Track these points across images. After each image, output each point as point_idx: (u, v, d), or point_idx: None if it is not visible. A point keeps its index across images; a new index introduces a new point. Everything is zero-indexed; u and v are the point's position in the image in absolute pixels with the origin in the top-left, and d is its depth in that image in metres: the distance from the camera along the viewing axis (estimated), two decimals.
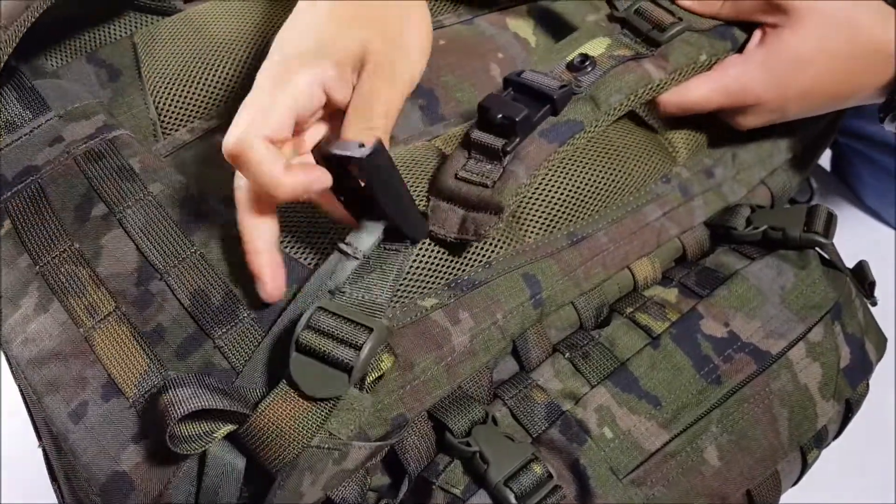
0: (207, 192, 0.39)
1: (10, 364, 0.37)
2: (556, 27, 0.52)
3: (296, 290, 0.35)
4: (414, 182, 0.40)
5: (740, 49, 0.46)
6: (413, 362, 0.36)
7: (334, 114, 0.38)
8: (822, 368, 0.41)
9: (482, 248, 0.40)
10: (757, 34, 0.45)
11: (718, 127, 0.49)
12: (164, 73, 0.44)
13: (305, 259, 0.37)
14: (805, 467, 0.42)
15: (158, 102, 0.44)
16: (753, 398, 0.39)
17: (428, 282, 0.38)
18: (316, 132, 0.39)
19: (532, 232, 0.41)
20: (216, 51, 0.45)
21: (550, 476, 0.36)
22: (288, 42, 0.37)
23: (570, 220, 0.42)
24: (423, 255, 0.39)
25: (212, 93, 0.44)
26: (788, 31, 0.44)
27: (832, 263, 0.44)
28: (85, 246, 0.37)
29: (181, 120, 0.44)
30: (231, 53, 0.45)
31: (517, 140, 0.38)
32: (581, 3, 0.53)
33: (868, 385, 0.45)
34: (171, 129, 0.44)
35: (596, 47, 0.43)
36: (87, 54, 0.45)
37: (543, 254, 0.41)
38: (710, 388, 0.39)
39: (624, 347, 0.40)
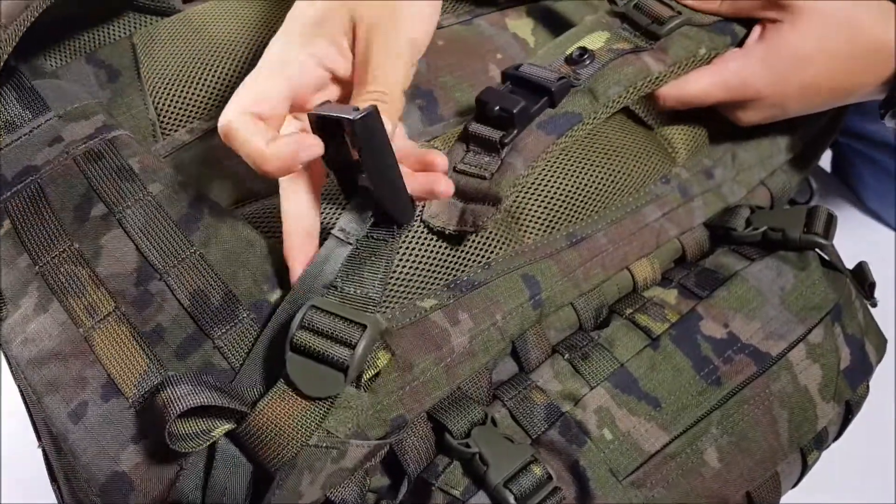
0: (207, 192, 0.39)
1: (9, 364, 0.37)
2: (556, 27, 0.52)
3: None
4: None
5: (740, 44, 0.46)
6: (412, 363, 0.36)
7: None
8: (823, 370, 0.41)
9: (481, 249, 0.40)
10: (757, 29, 0.46)
11: (718, 127, 0.49)
12: (163, 74, 0.44)
13: None
14: (805, 469, 0.42)
15: (158, 103, 0.44)
16: (753, 400, 0.39)
17: (427, 283, 0.38)
18: None
19: (531, 233, 0.41)
20: (215, 51, 0.45)
21: (550, 477, 0.36)
22: (293, 18, 0.37)
23: (570, 221, 0.42)
24: (423, 256, 0.39)
25: (211, 93, 0.44)
26: (788, 28, 0.44)
27: (832, 265, 0.44)
28: (84, 246, 0.37)
29: (180, 120, 0.44)
30: (230, 54, 0.45)
31: (515, 132, 0.38)
32: (580, 3, 0.53)
33: (868, 386, 0.45)
34: (170, 130, 0.44)
35: (595, 41, 0.43)
36: (86, 55, 0.45)
37: (543, 255, 0.41)
38: (710, 389, 0.39)
39: (623, 348, 0.40)
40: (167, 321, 0.35)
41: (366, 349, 0.32)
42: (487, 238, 0.40)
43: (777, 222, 0.44)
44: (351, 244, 0.35)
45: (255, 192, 0.43)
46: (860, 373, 0.43)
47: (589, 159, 0.44)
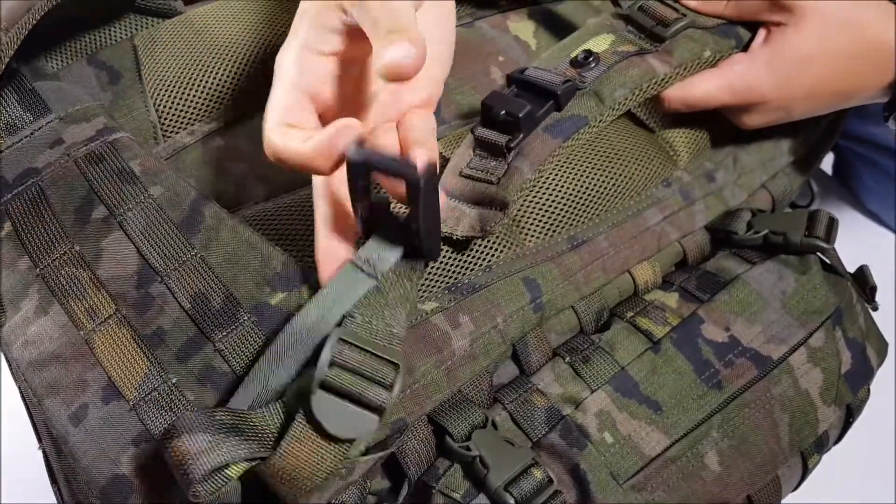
0: (208, 194, 0.39)
1: (10, 366, 0.37)
2: (558, 30, 0.52)
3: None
4: None
5: (745, 47, 0.46)
6: (413, 366, 0.36)
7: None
8: (823, 374, 0.41)
9: (482, 252, 0.40)
10: (762, 33, 0.45)
11: (719, 130, 0.49)
12: (164, 76, 0.44)
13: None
14: (806, 472, 0.42)
15: (159, 105, 0.44)
16: (754, 403, 0.39)
17: (428, 285, 0.38)
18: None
19: (532, 236, 0.41)
20: (217, 53, 0.45)
21: (551, 481, 0.36)
22: (298, 17, 0.35)
23: (571, 225, 0.42)
24: None
25: (212, 95, 0.44)
26: (792, 30, 0.44)
27: (833, 268, 0.44)
28: (85, 248, 0.37)
29: (181, 123, 0.44)
30: (232, 56, 0.45)
31: (521, 136, 0.38)
32: (582, 5, 0.53)
33: (869, 390, 0.45)
34: (171, 132, 0.44)
35: (600, 44, 0.43)
36: (87, 56, 0.45)
37: (544, 258, 0.41)
38: (711, 392, 0.39)
39: (624, 352, 0.40)
40: (168, 324, 0.35)
41: (401, 389, 0.31)
42: (488, 241, 0.40)
43: (778, 226, 0.44)
44: (375, 277, 0.33)
45: (257, 194, 0.43)
46: (861, 376, 0.43)
47: (590, 162, 0.44)
